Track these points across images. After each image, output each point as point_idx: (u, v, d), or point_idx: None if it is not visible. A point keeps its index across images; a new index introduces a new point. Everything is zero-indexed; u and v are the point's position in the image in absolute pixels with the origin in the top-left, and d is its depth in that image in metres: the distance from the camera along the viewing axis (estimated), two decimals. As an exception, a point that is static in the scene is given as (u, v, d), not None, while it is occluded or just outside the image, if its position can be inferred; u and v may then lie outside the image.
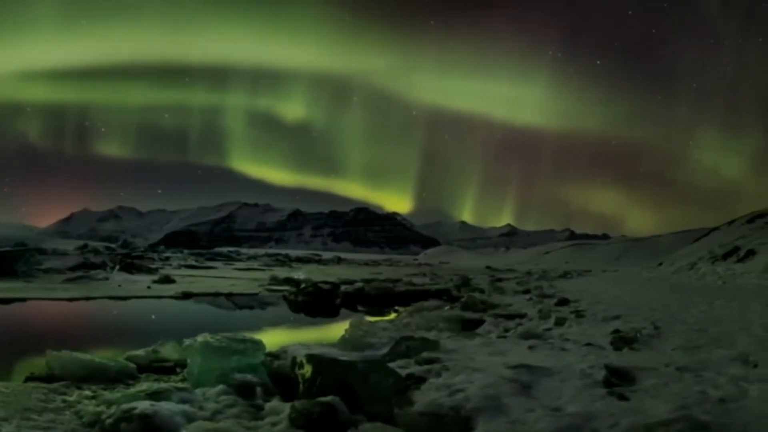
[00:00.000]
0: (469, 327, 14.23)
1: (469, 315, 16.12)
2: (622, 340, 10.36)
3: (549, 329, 13.15)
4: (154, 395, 6.52)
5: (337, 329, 13.24)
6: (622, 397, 5.82)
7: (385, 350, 9.53)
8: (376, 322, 14.72)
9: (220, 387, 6.90)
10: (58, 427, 5.73)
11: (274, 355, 8.74)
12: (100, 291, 21.80)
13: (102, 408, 6.13)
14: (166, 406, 5.92)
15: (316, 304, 21.61)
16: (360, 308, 21.35)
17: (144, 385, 7.22)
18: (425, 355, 8.79)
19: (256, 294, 24.83)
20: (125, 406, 5.82)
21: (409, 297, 23.55)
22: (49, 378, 7.69)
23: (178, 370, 8.68)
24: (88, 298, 19.84)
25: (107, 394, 6.84)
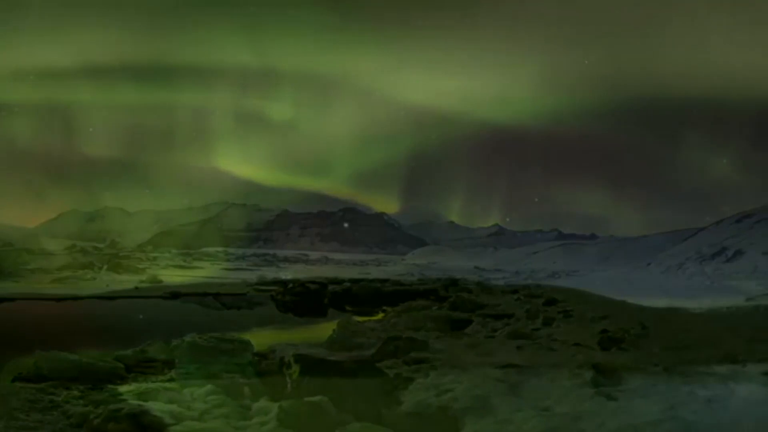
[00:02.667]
0: (457, 327, 14.24)
1: (457, 315, 16.14)
2: (610, 340, 10.41)
3: (537, 329, 13.19)
4: (142, 395, 6.50)
5: (325, 329, 13.20)
6: (610, 397, 5.84)
7: (373, 350, 9.53)
8: (364, 322, 14.72)
9: (209, 387, 6.88)
10: (45, 427, 5.69)
11: (262, 355, 8.74)
12: (88, 291, 21.63)
13: (90, 408, 6.10)
14: (154, 406, 5.90)
15: (304, 303, 21.58)
16: (348, 308, 21.32)
17: (132, 385, 7.20)
18: (413, 355, 8.80)
19: (244, 294, 24.70)
20: (113, 406, 5.80)
21: (397, 297, 23.48)
22: (37, 378, 7.64)
23: (166, 370, 8.64)
24: (76, 298, 19.69)
25: (95, 394, 6.81)
